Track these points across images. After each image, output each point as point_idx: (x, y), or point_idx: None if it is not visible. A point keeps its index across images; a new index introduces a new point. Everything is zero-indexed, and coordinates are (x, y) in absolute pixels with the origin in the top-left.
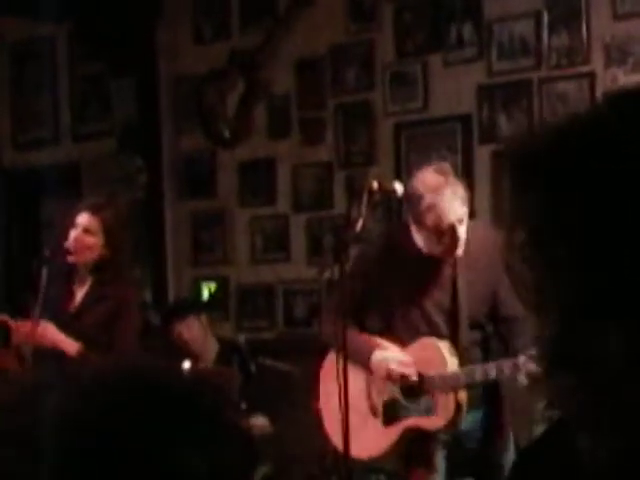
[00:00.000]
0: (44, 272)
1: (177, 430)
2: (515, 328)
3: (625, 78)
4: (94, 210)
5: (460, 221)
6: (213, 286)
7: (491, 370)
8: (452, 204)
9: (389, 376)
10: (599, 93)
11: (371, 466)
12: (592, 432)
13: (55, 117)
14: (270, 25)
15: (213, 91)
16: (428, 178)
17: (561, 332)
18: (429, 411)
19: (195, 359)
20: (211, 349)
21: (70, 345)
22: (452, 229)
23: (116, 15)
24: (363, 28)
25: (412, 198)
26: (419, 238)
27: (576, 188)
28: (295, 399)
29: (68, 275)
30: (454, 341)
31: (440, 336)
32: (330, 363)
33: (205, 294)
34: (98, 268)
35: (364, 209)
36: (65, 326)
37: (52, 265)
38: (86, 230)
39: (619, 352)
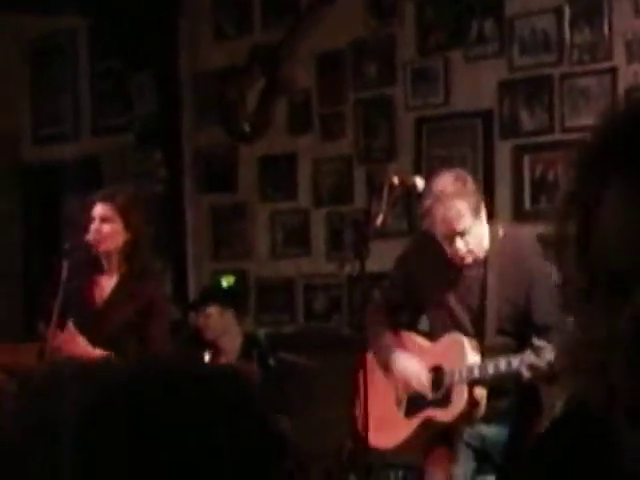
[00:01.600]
0: (64, 267)
1: (209, 418)
2: (545, 337)
3: None
4: (106, 199)
5: (461, 233)
6: (232, 279)
7: (501, 364)
8: (449, 214)
9: (405, 386)
10: (621, 89)
11: (389, 461)
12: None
13: (75, 112)
14: (291, 21)
15: (234, 86)
16: (436, 183)
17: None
18: (445, 403)
19: (216, 352)
20: (235, 343)
21: (99, 356)
22: (449, 239)
23: (137, 10)
24: (384, 24)
25: (420, 199)
26: None
27: None
28: (314, 393)
29: (91, 269)
30: (479, 342)
31: (466, 336)
32: (370, 357)
33: (224, 286)
34: (124, 257)
35: (384, 204)
36: (90, 323)
37: (72, 260)
38: (103, 219)
39: None
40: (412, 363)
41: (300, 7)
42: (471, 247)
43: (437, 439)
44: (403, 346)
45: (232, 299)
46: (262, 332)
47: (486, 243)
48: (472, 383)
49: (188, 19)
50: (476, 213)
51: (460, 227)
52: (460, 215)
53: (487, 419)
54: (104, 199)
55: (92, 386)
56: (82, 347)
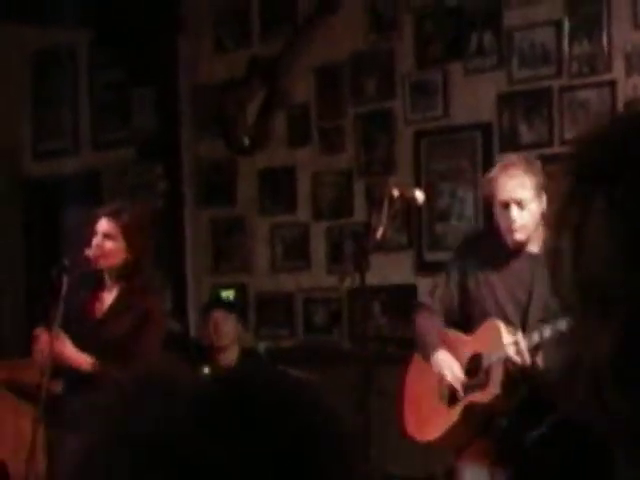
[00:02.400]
0: (64, 280)
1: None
2: None
3: None
4: (112, 216)
5: (518, 203)
6: (231, 293)
7: (534, 336)
8: (510, 182)
9: (440, 380)
10: (620, 101)
11: (389, 472)
12: (632, 450)
13: (75, 126)
14: (290, 34)
15: (233, 99)
16: (505, 159)
17: (623, 347)
18: (484, 386)
19: (216, 367)
20: (234, 354)
21: (85, 362)
22: (505, 206)
23: (137, 23)
24: (383, 37)
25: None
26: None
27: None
28: None
29: (92, 282)
30: (524, 332)
31: (511, 326)
32: (417, 355)
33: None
34: (124, 273)
35: (384, 217)
36: (88, 333)
37: (72, 273)
38: (106, 236)
39: None
40: (447, 358)
41: (299, 20)
42: (525, 222)
43: (479, 430)
44: (445, 342)
45: (235, 310)
46: (262, 346)
47: (539, 238)
48: (509, 362)
49: (188, 33)
50: (538, 194)
51: (519, 195)
52: (523, 185)
53: None
54: (110, 215)
55: (178, 400)
56: (69, 350)
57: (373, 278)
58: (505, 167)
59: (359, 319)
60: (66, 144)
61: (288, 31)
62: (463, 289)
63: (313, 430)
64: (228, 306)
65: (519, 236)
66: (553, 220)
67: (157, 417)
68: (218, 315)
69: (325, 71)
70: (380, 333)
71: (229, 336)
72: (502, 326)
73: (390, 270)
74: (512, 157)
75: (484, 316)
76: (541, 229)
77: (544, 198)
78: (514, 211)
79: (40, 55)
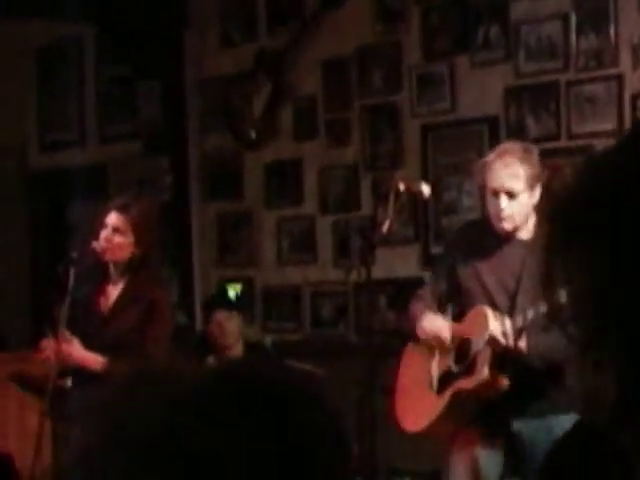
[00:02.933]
0: (71, 274)
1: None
2: None
3: None
4: (122, 210)
5: (509, 193)
6: (238, 287)
7: (518, 319)
8: (504, 170)
9: (425, 338)
10: (627, 95)
11: (394, 466)
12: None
13: (81, 119)
14: (297, 27)
15: (240, 93)
16: (503, 145)
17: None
18: (471, 372)
19: (221, 359)
20: (239, 350)
21: (95, 361)
22: (496, 194)
23: (143, 17)
24: (390, 30)
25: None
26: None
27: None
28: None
29: (98, 276)
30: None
31: (500, 313)
32: (409, 347)
33: (231, 295)
34: (131, 267)
35: (391, 211)
36: (95, 328)
37: (79, 267)
38: (115, 229)
39: None
40: (436, 318)
41: (305, 13)
42: (514, 213)
43: (467, 417)
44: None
45: (239, 307)
46: (269, 340)
47: (530, 226)
48: (495, 347)
49: (194, 26)
50: (531, 185)
51: (509, 185)
52: (515, 175)
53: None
54: (120, 209)
55: (163, 399)
56: (78, 352)
57: (379, 272)
58: (501, 154)
59: (365, 313)
60: (72, 137)
61: (295, 24)
62: (452, 282)
63: (314, 425)
64: (229, 304)
65: (506, 225)
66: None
67: (154, 414)
68: (221, 316)
69: (332, 64)
70: (386, 327)
71: (233, 335)
72: (489, 311)
73: (396, 264)
74: (510, 144)
75: (473, 304)
76: (533, 218)
77: (538, 189)
78: (503, 201)
79: (46, 49)
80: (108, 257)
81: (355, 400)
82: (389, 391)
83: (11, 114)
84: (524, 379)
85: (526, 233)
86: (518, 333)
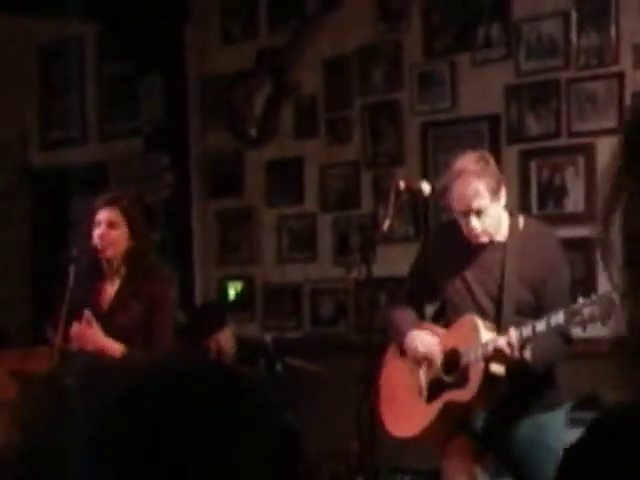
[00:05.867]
0: (71, 271)
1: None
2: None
3: None
4: (111, 203)
5: (477, 211)
6: (239, 286)
7: (526, 329)
8: (465, 191)
9: (415, 358)
10: (628, 93)
11: (396, 465)
12: None
13: (82, 117)
14: (298, 25)
15: (241, 91)
16: (458, 162)
17: None
18: (463, 384)
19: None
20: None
21: (114, 348)
22: (464, 214)
23: (144, 15)
24: (391, 28)
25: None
26: None
27: None
28: (321, 398)
29: (95, 274)
30: (498, 324)
31: (486, 318)
32: (392, 348)
33: (231, 294)
34: (128, 261)
35: (391, 209)
36: (99, 324)
37: (79, 264)
38: (109, 224)
39: None
40: (421, 333)
41: (306, 11)
42: (487, 227)
43: (458, 426)
44: (420, 330)
45: (239, 307)
46: (269, 337)
47: (504, 228)
48: (488, 360)
49: (195, 24)
50: (494, 194)
51: (476, 205)
52: (477, 193)
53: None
54: (109, 204)
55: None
56: (100, 337)
57: (380, 270)
58: (458, 174)
59: (366, 310)
60: (73, 135)
61: (296, 22)
62: (428, 283)
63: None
64: (227, 308)
65: (482, 239)
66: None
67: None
68: (218, 338)
69: (333, 62)
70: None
71: (231, 347)
72: (480, 322)
73: (397, 262)
74: (464, 159)
75: (457, 308)
76: (506, 219)
77: (503, 191)
78: (473, 219)
79: (47, 47)
80: (109, 253)
81: (355, 398)
82: (373, 391)
83: (12, 111)
84: (517, 382)
85: (501, 236)
86: (524, 343)
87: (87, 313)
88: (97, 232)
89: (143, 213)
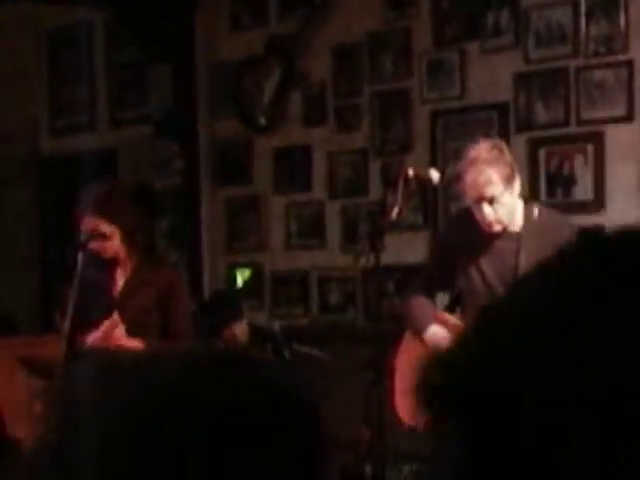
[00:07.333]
0: (79, 259)
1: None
2: None
3: None
4: (95, 212)
5: (490, 199)
6: (247, 273)
7: None
8: (479, 179)
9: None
10: (637, 81)
11: (405, 453)
12: None
13: (92, 103)
14: (307, 12)
15: (250, 78)
16: (472, 150)
17: None
18: None
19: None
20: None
21: (137, 347)
22: (477, 202)
23: (153, 1)
24: (400, 15)
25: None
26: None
27: None
28: (329, 386)
29: (104, 261)
30: None
31: None
32: (408, 335)
33: (239, 281)
34: (134, 255)
35: (400, 196)
36: (107, 313)
37: (88, 251)
38: (101, 236)
39: None
40: (441, 331)
41: None
42: (500, 215)
43: None
44: (438, 321)
45: (247, 294)
46: (277, 324)
47: (519, 217)
48: None
49: (204, 10)
50: (508, 183)
51: (489, 193)
52: (490, 181)
53: None
54: (93, 213)
55: (138, 384)
56: (124, 337)
57: (388, 257)
58: (471, 162)
59: (374, 298)
60: (83, 121)
61: (305, 9)
62: (444, 273)
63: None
64: (236, 297)
65: (496, 228)
66: None
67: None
68: (234, 329)
69: (342, 50)
70: (394, 312)
71: (244, 338)
72: None
73: (405, 250)
74: (478, 147)
75: (473, 298)
76: (520, 208)
77: (516, 180)
78: (486, 208)
79: (56, 33)
80: (112, 255)
81: (364, 385)
82: (388, 376)
83: (22, 98)
84: None
85: (515, 225)
86: None
87: (115, 316)
88: (93, 245)
89: (128, 200)
